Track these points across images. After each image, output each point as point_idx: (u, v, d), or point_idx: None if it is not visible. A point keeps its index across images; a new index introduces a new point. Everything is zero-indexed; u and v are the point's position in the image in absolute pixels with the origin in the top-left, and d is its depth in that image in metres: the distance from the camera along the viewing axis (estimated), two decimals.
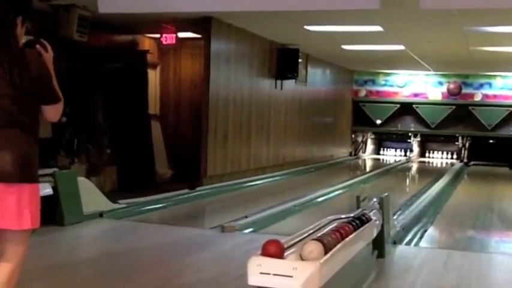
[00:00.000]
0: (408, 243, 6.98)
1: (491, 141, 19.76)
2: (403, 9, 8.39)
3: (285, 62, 13.40)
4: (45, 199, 6.64)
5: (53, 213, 6.74)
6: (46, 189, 6.68)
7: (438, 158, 20.85)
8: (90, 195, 7.37)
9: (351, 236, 4.01)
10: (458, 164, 18.90)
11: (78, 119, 9.36)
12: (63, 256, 5.67)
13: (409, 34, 11.65)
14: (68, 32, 8.76)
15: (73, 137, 9.29)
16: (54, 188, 6.76)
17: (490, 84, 19.08)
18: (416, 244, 7.20)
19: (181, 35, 10.75)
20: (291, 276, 3.13)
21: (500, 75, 18.82)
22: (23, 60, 2.84)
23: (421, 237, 7.63)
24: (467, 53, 13.48)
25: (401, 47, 13.25)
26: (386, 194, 5.82)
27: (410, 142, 20.84)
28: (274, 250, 3.29)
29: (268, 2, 6.59)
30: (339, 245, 3.65)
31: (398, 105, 19.96)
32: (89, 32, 9.03)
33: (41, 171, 6.90)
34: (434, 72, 19.14)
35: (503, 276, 5.44)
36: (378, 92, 20.26)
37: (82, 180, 7.44)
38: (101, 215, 7.38)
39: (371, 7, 5.89)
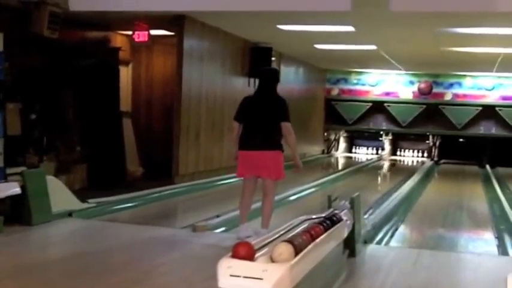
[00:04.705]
0: (379, 242, 7.04)
1: (461, 140, 20.02)
2: (375, 10, 8.43)
3: (258, 60, 13.37)
4: (13, 198, 6.60)
5: (20, 212, 6.66)
6: (14, 188, 6.59)
7: (409, 156, 21.06)
8: (59, 194, 7.26)
9: (321, 237, 4.02)
10: (428, 163, 19.10)
11: (47, 116, 9.23)
12: (31, 256, 5.59)
13: (381, 34, 11.72)
14: (38, 28, 8.64)
15: (42, 134, 9.15)
16: (23, 187, 6.66)
17: (460, 84, 19.32)
18: (388, 242, 7.26)
19: (153, 32, 10.68)
20: (261, 279, 3.12)
21: (470, 75, 19.07)
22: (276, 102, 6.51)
23: (392, 236, 7.70)
24: (438, 53, 13.62)
25: (373, 47, 13.33)
26: (357, 193, 5.85)
27: (381, 140, 21.03)
28: (245, 252, 3.28)
29: (240, 2, 6.56)
30: (309, 246, 3.65)
31: (370, 104, 20.12)
32: (60, 29, 8.91)
33: (9, 170, 6.80)
34: (405, 72, 19.32)
35: (471, 275, 5.51)
36: (350, 91, 20.39)
37: (51, 179, 7.31)
38: (70, 214, 7.28)
39: (343, 8, 5.90)
